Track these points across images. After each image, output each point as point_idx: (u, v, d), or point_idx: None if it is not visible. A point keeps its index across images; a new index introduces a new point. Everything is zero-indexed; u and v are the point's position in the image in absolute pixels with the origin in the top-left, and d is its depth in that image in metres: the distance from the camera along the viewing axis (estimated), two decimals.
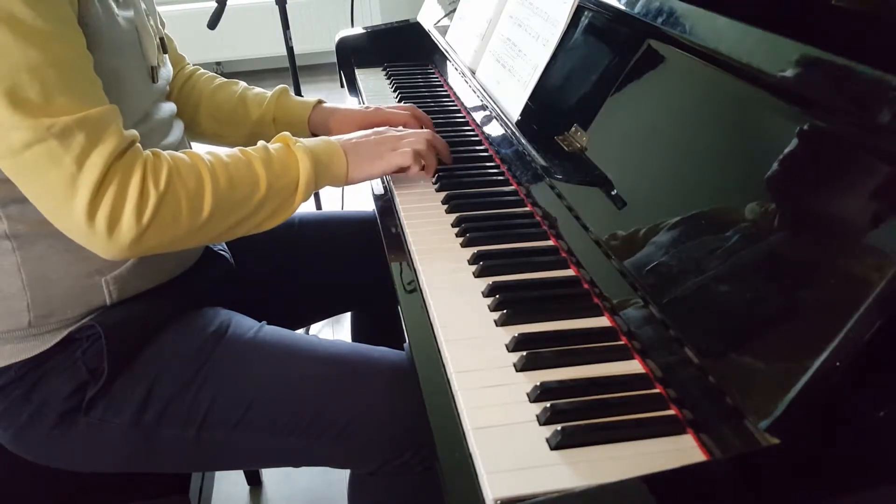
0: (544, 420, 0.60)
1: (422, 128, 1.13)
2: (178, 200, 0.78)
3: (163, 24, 1.05)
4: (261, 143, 0.89)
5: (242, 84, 1.18)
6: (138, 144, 0.78)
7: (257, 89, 1.17)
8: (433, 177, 1.03)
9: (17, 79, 0.69)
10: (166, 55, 1.00)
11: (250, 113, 1.14)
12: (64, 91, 0.71)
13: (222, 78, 1.18)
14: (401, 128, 1.03)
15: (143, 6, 0.92)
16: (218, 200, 0.81)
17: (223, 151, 0.86)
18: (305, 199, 0.89)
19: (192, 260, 0.97)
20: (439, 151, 1.03)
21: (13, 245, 0.81)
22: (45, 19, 0.70)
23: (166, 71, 0.99)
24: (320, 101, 1.16)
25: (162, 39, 0.99)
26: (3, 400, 0.86)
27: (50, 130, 0.70)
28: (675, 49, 0.78)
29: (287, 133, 0.91)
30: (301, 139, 0.90)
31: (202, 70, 1.19)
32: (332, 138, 0.94)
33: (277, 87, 1.16)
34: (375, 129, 0.99)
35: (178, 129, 0.98)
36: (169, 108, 0.98)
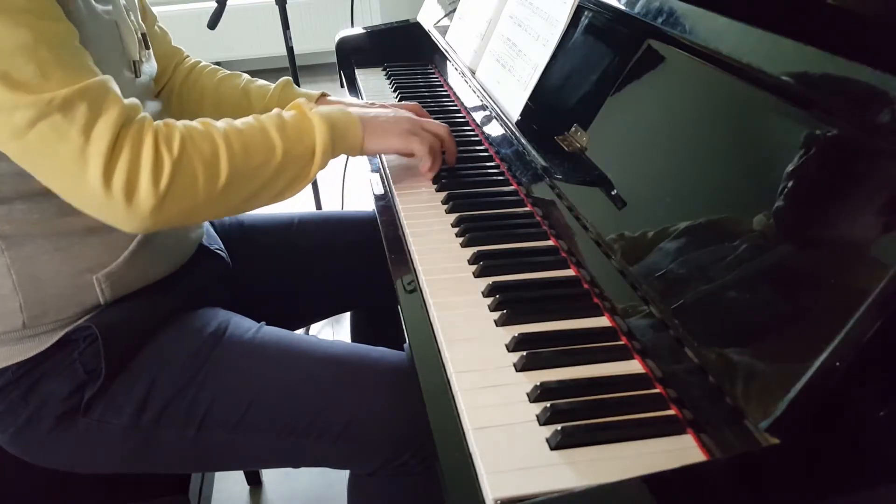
0: (544, 420, 0.60)
1: None
2: (193, 166, 0.77)
3: (154, 18, 1.05)
4: (275, 109, 0.88)
5: (245, 76, 1.17)
6: (145, 112, 0.78)
7: (260, 81, 1.17)
8: (432, 177, 1.03)
9: (12, 61, 0.69)
10: (149, 51, 1.00)
11: (254, 105, 1.13)
12: (59, 66, 0.71)
13: (225, 70, 1.18)
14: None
15: (123, 1, 0.92)
16: (234, 166, 0.80)
17: (238, 119, 0.85)
18: (323, 166, 0.88)
19: (185, 257, 0.97)
20: (448, 151, 1.03)
21: (1, 246, 0.81)
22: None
23: (149, 67, 0.98)
24: (324, 94, 1.16)
25: (144, 35, 0.98)
26: (1, 401, 0.86)
27: (51, 104, 0.70)
28: (675, 49, 0.78)
29: (302, 100, 0.91)
30: (316, 107, 0.90)
31: (204, 62, 1.19)
32: (349, 108, 0.94)
33: (281, 80, 1.15)
34: (396, 108, 0.99)
35: None
36: (153, 106, 0.97)
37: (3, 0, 0.69)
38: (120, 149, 0.73)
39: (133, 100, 0.78)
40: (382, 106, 1.14)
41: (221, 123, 0.83)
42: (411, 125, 0.97)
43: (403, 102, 1.18)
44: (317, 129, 0.87)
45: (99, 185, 0.72)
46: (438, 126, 1.01)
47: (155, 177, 0.75)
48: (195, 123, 0.81)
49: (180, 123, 0.80)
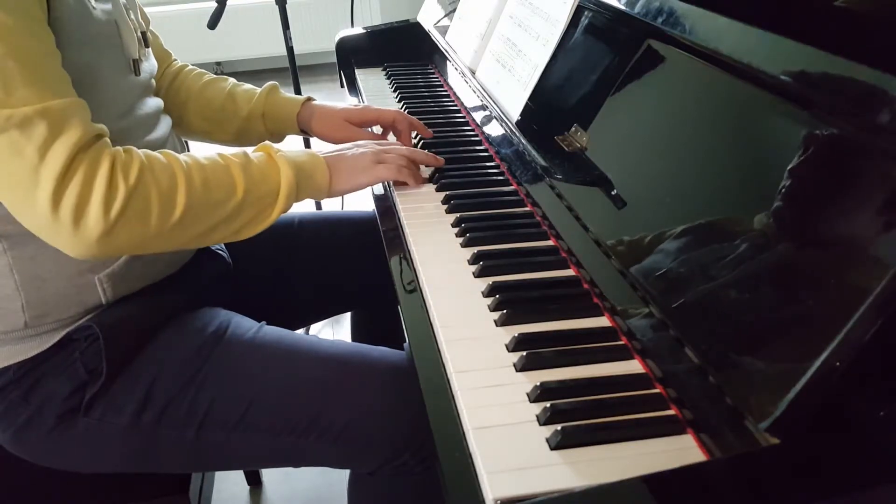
0: (544, 420, 0.60)
1: (410, 128, 1.13)
2: (148, 197, 0.77)
3: (147, 21, 1.05)
4: (241, 149, 0.89)
5: (231, 80, 1.18)
6: (107, 138, 0.78)
7: (246, 85, 1.17)
8: (424, 181, 1.03)
9: None
10: (149, 49, 1.00)
11: (239, 109, 1.13)
12: (25, 83, 0.70)
13: (211, 74, 1.18)
14: (385, 139, 1.03)
15: (123, 0, 0.92)
16: (191, 202, 0.80)
17: (202, 154, 0.85)
18: (285, 209, 0.88)
19: (186, 258, 0.97)
20: (420, 161, 1.03)
21: (4, 246, 0.81)
22: (7, 13, 0.69)
23: (149, 65, 0.98)
24: (310, 99, 1.16)
25: (144, 34, 0.98)
26: (1, 401, 0.86)
27: (10, 121, 0.70)
28: (675, 49, 0.78)
29: (269, 143, 0.91)
30: (283, 150, 0.90)
31: (190, 66, 1.19)
32: (316, 150, 0.95)
33: (267, 84, 1.16)
34: (357, 143, 1.00)
35: (164, 125, 0.98)
36: (155, 103, 0.97)
37: None
38: (74, 171, 0.73)
39: (100, 126, 0.77)
40: (366, 107, 1.14)
41: (184, 157, 0.83)
42: (374, 156, 0.97)
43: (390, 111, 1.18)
44: (282, 172, 0.87)
45: (47, 206, 0.72)
46: (400, 148, 1.02)
47: (106, 203, 0.74)
48: (157, 154, 0.81)
49: (141, 152, 0.79)
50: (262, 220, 0.87)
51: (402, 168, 0.98)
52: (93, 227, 0.74)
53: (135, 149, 0.80)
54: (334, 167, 0.93)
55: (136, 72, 0.92)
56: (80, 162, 0.73)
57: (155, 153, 0.81)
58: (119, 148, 0.78)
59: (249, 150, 0.90)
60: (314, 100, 1.16)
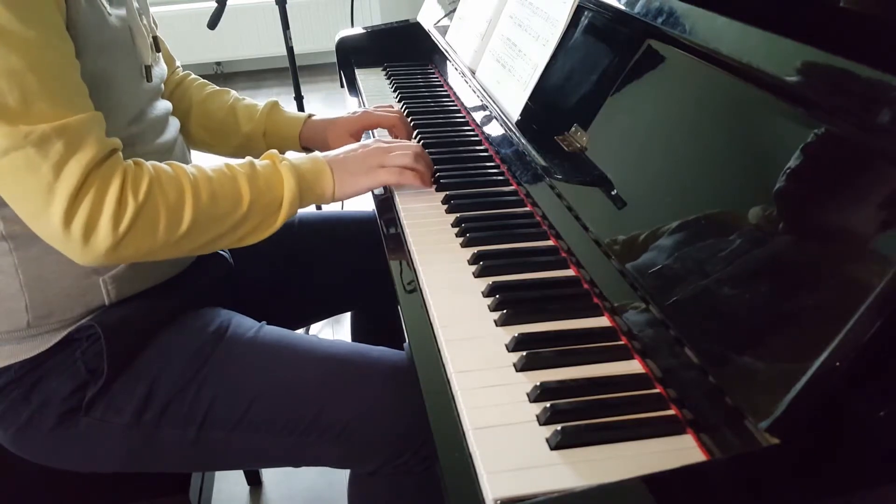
0: (544, 420, 0.60)
1: (408, 135, 1.14)
2: (156, 212, 0.78)
3: (155, 25, 1.05)
4: (248, 158, 0.89)
5: (234, 93, 1.19)
6: (119, 153, 0.78)
7: (248, 100, 1.18)
8: (432, 184, 1.02)
9: None
10: (160, 54, 1.00)
11: (241, 125, 1.14)
12: (44, 97, 0.71)
13: (214, 85, 1.19)
14: (390, 138, 1.03)
15: (136, 4, 0.92)
16: (198, 215, 0.81)
17: (209, 165, 0.86)
18: (290, 216, 0.89)
19: (190, 260, 0.97)
20: (425, 160, 1.02)
21: (10, 246, 0.81)
22: (28, 25, 0.69)
23: (160, 69, 0.99)
24: (310, 116, 1.17)
25: (155, 38, 0.98)
26: (2, 400, 0.86)
27: (28, 138, 0.70)
28: (675, 49, 0.78)
29: (274, 151, 0.92)
30: (288, 157, 0.91)
31: (194, 76, 1.20)
32: (321, 155, 0.95)
33: (268, 101, 1.17)
34: (363, 143, 0.99)
35: (173, 128, 0.98)
36: (164, 105, 0.97)
37: (1, 23, 0.68)
38: (87, 189, 0.74)
39: (113, 140, 0.78)
40: (366, 112, 1.15)
41: (192, 169, 0.83)
42: (379, 158, 0.96)
43: (389, 108, 1.18)
44: (285, 181, 0.88)
45: (59, 222, 0.73)
46: (405, 145, 1.00)
47: (115, 220, 0.75)
48: (165, 166, 0.82)
49: (150, 165, 0.80)
50: (266, 228, 0.88)
51: (404, 172, 0.97)
52: (102, 241, 0.75)
53: (144, 162, 0.80)
54: (338, 172, 0.93)
55: (149, 77, 0.92)
56: (93, 179, 0.74)
57: (163, 165, 0.82)
58: (130, 162, 0.79)
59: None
60: (314, 116, 1.17)
